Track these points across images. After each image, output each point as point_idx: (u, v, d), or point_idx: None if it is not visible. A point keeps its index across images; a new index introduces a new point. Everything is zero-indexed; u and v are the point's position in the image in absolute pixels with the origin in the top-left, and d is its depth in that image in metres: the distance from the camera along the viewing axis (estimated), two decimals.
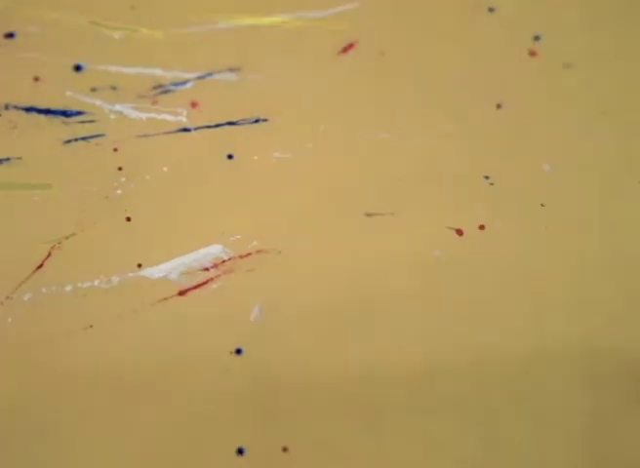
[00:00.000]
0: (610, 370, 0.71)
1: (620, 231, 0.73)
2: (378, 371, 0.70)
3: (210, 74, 0.72)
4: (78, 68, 0.70)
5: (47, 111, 0.69)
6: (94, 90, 0.70)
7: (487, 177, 0.73)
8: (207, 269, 0.69)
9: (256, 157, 0.71)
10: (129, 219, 0.69)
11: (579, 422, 0.70)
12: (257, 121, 0.72)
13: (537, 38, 0.76)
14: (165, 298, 0.68)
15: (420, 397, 0.70)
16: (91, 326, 0.67)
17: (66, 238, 0.68)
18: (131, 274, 0.68)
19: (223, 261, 0.69)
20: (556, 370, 0.71)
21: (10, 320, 0.66)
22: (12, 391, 0.66)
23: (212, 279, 0.69)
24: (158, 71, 0.71)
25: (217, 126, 0.71)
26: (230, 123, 0.71)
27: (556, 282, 0.73)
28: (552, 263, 0.73)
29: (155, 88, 0.71)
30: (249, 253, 0.70)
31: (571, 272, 0.73)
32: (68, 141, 0.69)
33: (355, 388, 0.69)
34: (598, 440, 0.70)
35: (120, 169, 0.69)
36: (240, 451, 0.67)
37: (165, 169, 0.70)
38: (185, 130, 0.71)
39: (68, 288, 0.67)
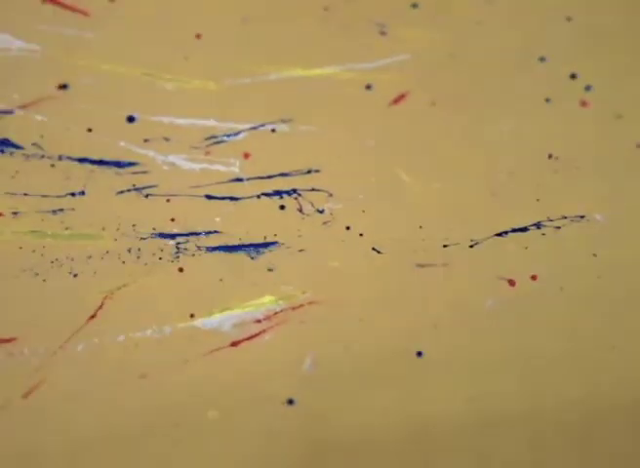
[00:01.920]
0: None
1: None
2: (427, 424, 0.70)
3: (262, 125, 0.72)
4: (131, 119, 0.71)
5: (100, 162, 0.70)
6: (146, 141, 0.71)
7: (539, 227, 0.73)
8: (259, 321, 0.69)
9: (307, 207, 0.71)
10: (181, 270, 0.69)
11: None
12: (309, 172, 0.72)
13: (587, 88, 0.76)
14: (217, 349, 0.68)
15: (470, 449, 0.70)
16: (143, 375, 0.67)
17: (119, 288, 0.68)
18: (183, 324, 0.68)
19: (276, 313, 0.69)
20: (611, 419, 0.71)
21: (63, 369, 0.67)
22: (66, 440, 0.66)
23: (264, 330, 0.69)
24: (211, 122, 0.72)
25: (269, 177, 0.71)
26: (282, 174, 0.72)
27: (609, 332, 0.72)
28: (606, 313, 0.73)
29: (208, 139, 0.71)
30: (301, 305, 0.70)
31: (624, 322, 0.73)
32: (121, 192, 0.70)
33: (405, 440, 0.69)
34: None
35: (173, 220, 0.70)
36: None
37: (217, 219, 0.70)
38: (238, 180, 0.71)
39: (121, 338, 0.68)
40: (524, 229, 0.73)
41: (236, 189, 0.71)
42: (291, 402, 0.68)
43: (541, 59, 0.76)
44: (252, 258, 0.70)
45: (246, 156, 0.72)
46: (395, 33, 0.75)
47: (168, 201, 0.70)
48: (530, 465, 0.70)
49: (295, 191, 0.72)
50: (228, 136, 0.72)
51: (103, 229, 0.69)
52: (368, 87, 0.74)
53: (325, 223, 0.72)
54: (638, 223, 0.74)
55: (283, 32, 0.74)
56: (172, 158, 0.71)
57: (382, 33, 0.75)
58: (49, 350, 0.67)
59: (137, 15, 0.72)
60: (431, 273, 0.72)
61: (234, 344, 0.68)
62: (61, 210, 0.69)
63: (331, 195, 0.72)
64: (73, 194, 0.69)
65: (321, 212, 0.72)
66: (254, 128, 0.72)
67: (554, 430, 0.71)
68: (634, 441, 0.72)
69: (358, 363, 0.69)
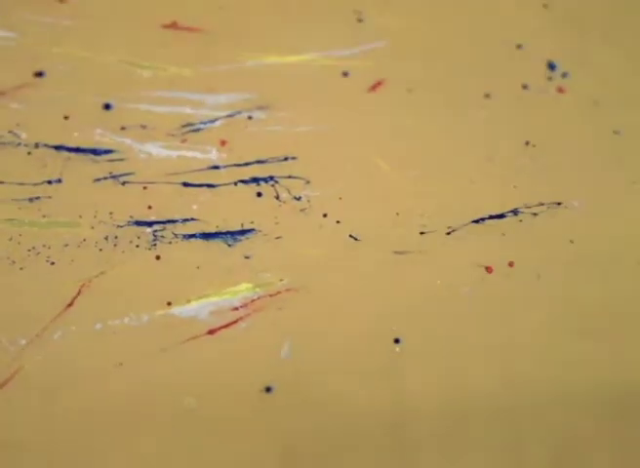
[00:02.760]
0: None
1: None
2: (405, 411, 0.70)
3: (239, 112, 0.72)
4: (107, 107, 0.71)
5: (77, 149, 0.70)
6: (123, 128, 0.71)
7: (516, 214, 0.73)
8: (236, 308, 0.69)
9: (284, 195, 0.71)
10: (158, 258, 0.69)
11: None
12: (285, 159, 0.72)
13: (564, 75, 0.76)
14: (194, 337, 0.68)
15: (450, 433, 0.70)
16: (121, 363, 0.67)
17: (96, 276, 0.68)
18: (160, 312, 0.68)
19: (253, 301, 0.69)
20: (581, 405, 0.71)
21: (40, 358, 0.66)
22: (43, 429, 0.66)
23: (241, 318, 0.69)
24: (187, 109, 0.72)
25: (246, 164, 0.71)
26: (259, 161, 0.72)
27: (587, 316, 0.73)
28: (583, 298, 0.73)
29: (184, 126, 0.71)
30: (278, 292, 0.70)
31: (603, 306, 0.73)
32: (98, 180, 0.70)
33: (383, 428, 0.69)
34: None
35: (150, 207, 0.70)
36: None
37: (194, 206, 0.70)
38: (215, 168, 0.71)
39: (98, 326, 0.67)
40: (501, 216, 0.73)
41: (213, 176, 0.71)
42: (268, 389, 0.68)
43: (519, 47, 0.76)
44: (229, 246, 0.70)
45: (222, 143, 0.71)
46: (372, 20, 0.75)
47: (145, 188, 0.70)
48: (509, 454, 0.71)
49: (272, 178, 0.71)
50: (205, 123, 0.72)
51: (80, 217, 0.69)
52: (345, 74, 0.74)
53: (302, 210, 0.71)
54: (615, 210, 0.74)
55: (259, 19, 0.74)
56: (148, 146, 0.71)
57: (360, 20, 0.75)
58: (26, 338, 0.66)
59: (113, 2, 0.72)
60: (408, 260, 0.72)
61: (211, 332, 0.68)
62: (38, 197, 0.69)
63: (308, 182, 0.72)
64: (50, 182, 0.69)
65: (298, 199, 0.72)
66: (230, 115, 0.72)
67: (532, 418, 0.71)
68: (595, 429, 0.72)
69: (335, 350, 0.69)
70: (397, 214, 0.72)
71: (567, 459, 0.71)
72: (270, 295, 0.70)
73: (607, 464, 0.71)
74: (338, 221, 0.72)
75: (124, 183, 0.70)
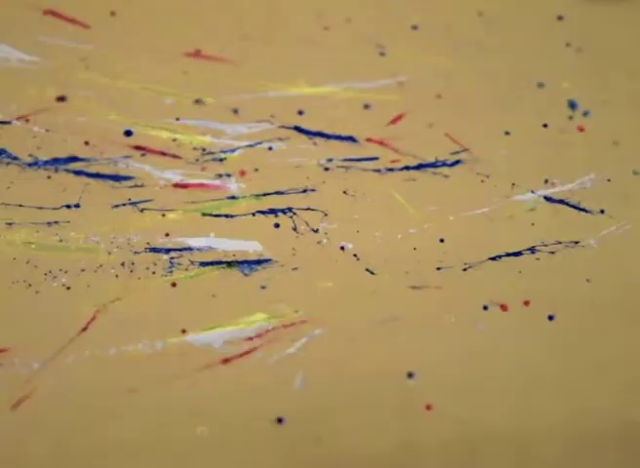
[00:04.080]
0: None
1: None
2: (417, 446, 0.70)
3: (259, 143, 0.72)
4: (128, 133, 0.71)
5: (96, 175, 0.70)
6: (143, 155, 0.71)
7: (533, 252, 0.73)
8: (251, 338, 0.69)
9: (302, 227, 0.71)
10: (174, 285, 0.69)
11: None
12: (304, 191, 0.72)
13: (585, 114, 0.76)
14: (208, 365, 0.68)
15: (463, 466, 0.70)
16: (133, 390, 0.67)
17: (111, 302, 0.68)
18: (174, 340, 0.68)
19: (267, 331, 0.69)
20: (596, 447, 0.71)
21: (53, 381, 0.67)
22: (54, 453, 0.66)
23: (255, 348, 0.69)
24: (208, 138, 0.72)
25: (264, 194, 0.71)
26: (278, 192, 0.72)
27: (605, 357, 0.72)
28: (599, 340, 0.73)
29: (204, 155, 0.71)
30: (293, 323, 0.70)
31: (618, 348, 0.73)
32: (116, 206, 0.70)
33: (395, 461, 0.69)
34: None
35: (167, 235, 0.70)
36: None
37: (212, 234, 0.70)
38: (233, 198, 0.71)
39: (112, 351, 0.68)
40: (518, 253, 0.73)
41: (231, 206, 0.71)
42: (280, 420, 0.68)
43: (540, 85, 0.76)
44: (245, 275, 0.70)
45: (242, 173, 0.72)
46: (394, 54, 0.76)
47: (163, 216, 0.70)
48: None
49: (290, 210, 0.72)
50: (225, 152, 0.72)
51: (98, 243, 0.69)
52: (366, 106, 0.74)
53: (319, 243, 0.72)
54: (632, 249, 0.74)
55: (282, 50, 0.74)
56: (168, 173, 0.71)
57: (382, 54, 0.76)
58: (40, 362, 0.66)
59: (136, 28, 0.73)
60: (424, 295, 0.72)
61: (225, 361, 0.68)
62: (56, 222, 0.69)
63: (326, 215, 0.72)
64: (69, 206, 0.69)
65: (315, 231, 0.72)
66: (250, 145, 0.72)
67: (543, 451, 0.71)
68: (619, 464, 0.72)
69: (349, 383, 0.69)
70: (414, 248, 0.72)
71: None
72: (285, 326, 0.70)
73: None
74: (354, 255, 0.72)
75: (142, 210, 0.70)
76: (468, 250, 0.73)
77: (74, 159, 0.70)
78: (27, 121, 0.70)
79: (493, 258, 0.73)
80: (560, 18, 0.79)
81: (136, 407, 0.67)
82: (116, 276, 0.69)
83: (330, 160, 0.73)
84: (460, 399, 0.71)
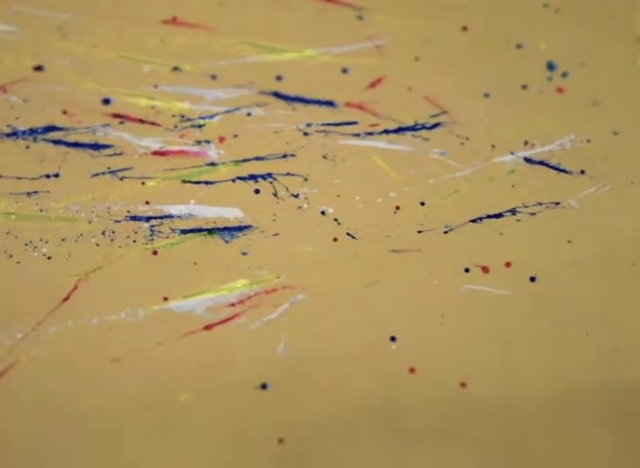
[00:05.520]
0: None
1: None
2: (401, 408, 0.70)
3: (238, 108, 0.72)
4: (107, 102, 0.71)
5: (75, 144, 0.70)
6: (122, 123, 0.71)
7: (513, 214, 0.73)
8: (233, 304, 0.69)
9: (282, 192, 0.71)
10: (155, 253, 0.69)
11: None
12: (284, 156, 0.72)
13: (564, 75, 0.76)
14: (191, 332, 0.68)
15: (447, 428, 0.70)
16: (117, 358, 0.67)
17: (93, 271, 0.68)
18: (157, 307, 0.68)
19: (249, 297, 0.69)
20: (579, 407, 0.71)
21: (36, 352, 0.67)
22: (35, 423, 0.66)
23: (238, 314, 0.69)
24: (186, 105, 0.72)
25: (244, 160, 0.71)
26: (258, 158, 0.72)
27: (584, 314, 0.73)
28: (580, 298, 0.73)
29: (183, 121, 0.71)
30: (275, 289, 0.70)
31: (595, 304, 0.73)
32: (96, 174, 0.70)
33: (378, 425, 0.69)
34: None
35: (147, 203, 0.70)
36: None
37: (192, 202, 0.70)
38: (213, 164, 0.71)
39: (94, 320, 0.68)
40: (499, 215, 0.73)
41: (211, 173, 0.71)
42: (264, 386, 0.68)
43: (518, 46, 0.76)
44: (226, 242, 0.70)
45: (221, 140, 0.71)
46: (372, 18, 0.75)
47: (143, 184, 0.70)
48: (506, 453, 0.71)
49: (270, 175, 0.71)
50: (204, 118, 0.72)
51: (78, 212, 0.69)
52: (344, 70, 0.74)
53: (299, 208, 0.71)
54: (613, 212, 0.74)
55: (259, 15, 0.74)
56: (147, 141, 0.71)
57: (360, 17, 0.75)
58: (22, 332, 0.66)
59: None
60: (405, 258, 0.72)
61: (208, 328, 0.68)
62: (36, 192, 0.69)
63: (306, 180, 0.72)
64: (48, 176, 0.69)
65: (296, 196, 0.72)
66: (229, 111, 0.72)
67: (526, 411, 0.71)
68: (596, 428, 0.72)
69: (331, 347, 0.69)
70: (395, 212, 0.72)
71: (567, 458, 0.71)
72: (267, 292, 0.70)
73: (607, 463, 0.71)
74: (335, 219, 0.72)
75: (122, 178, 0.70)
76: (449, 212, 0.73)
77: (53, 128, 0.70)
78: (5, 91, 0.69)
79: (473, 221, 0.73)
80: None
81: (119, 375, 0.67)
82: (97, 245, 0.69)
83: (309, 125, 0.73)
84: (443, 361, 0.71)
